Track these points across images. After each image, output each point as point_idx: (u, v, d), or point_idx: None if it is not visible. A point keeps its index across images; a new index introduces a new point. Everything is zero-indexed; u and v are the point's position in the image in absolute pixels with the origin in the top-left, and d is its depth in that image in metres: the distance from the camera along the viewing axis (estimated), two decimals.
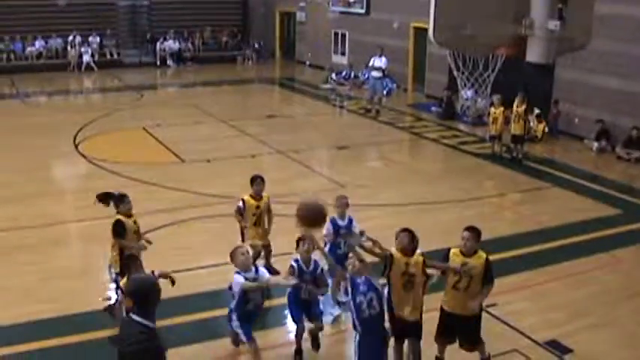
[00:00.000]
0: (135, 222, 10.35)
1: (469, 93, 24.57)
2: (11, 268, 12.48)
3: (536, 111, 22.04)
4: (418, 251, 8.59)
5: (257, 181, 11.64)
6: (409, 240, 8.52)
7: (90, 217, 14.89)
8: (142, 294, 5.95)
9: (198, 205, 15.51)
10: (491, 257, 8.89)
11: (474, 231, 8.74)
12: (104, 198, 10.39)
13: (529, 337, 10.05)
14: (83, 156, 19.87)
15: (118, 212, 10.25)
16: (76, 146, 20.89)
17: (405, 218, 14.83)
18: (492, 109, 19.86)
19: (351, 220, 10.60)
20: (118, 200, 10.31)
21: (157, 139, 21.91)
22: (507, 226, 14.71)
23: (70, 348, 9.92)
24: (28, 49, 36.52)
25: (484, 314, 9.25)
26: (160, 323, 7.88)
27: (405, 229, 8.63)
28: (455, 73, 24.10)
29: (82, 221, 14.92)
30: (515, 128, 19.47)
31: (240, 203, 11.56)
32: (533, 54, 7.99)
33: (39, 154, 20.13)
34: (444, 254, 8.86)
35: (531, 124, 21.65)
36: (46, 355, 9.75)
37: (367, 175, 18.40)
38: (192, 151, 20.29)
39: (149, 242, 10.57)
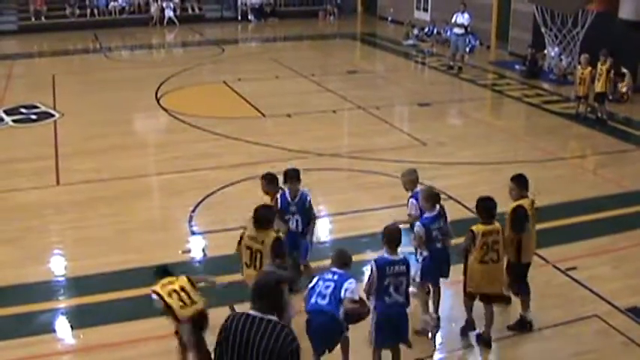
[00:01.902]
0: None
1: (556, 50, 23.95)
2: (93, 219, 12.74)
3: (623, 70, 21.32)
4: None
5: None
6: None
7: (170, 171, 15.17)
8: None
9: (278, 160, 15.54)
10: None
11: (512, 180, 9.23)
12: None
13: (610, 303, 9.77)
14: (165, 109, 20.11)
15: None
16: (158, 100, 21.15)
17: (483, 177, 14.70)
18: (580, 69, 19.27)
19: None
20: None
21: (238, 93, 21.99)
22: (588, 189, 14.26)
23: (149, 298, 10.09)
24: (111, 4, 36.94)
25: (564, 278, 9.05)
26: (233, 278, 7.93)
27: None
28: (542, 29, 23.43)
29: (162, 174, 15.17)
30: (597, 86, 18.86)
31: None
32: (626, 10, 7.71)
33: (121, 108, 20.45)
34: None
35: (618, 85, 21.00)
36: (125, 304, 9.95)
37: (448, 133, 18.10)
38: (273, 105, 20.29)
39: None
